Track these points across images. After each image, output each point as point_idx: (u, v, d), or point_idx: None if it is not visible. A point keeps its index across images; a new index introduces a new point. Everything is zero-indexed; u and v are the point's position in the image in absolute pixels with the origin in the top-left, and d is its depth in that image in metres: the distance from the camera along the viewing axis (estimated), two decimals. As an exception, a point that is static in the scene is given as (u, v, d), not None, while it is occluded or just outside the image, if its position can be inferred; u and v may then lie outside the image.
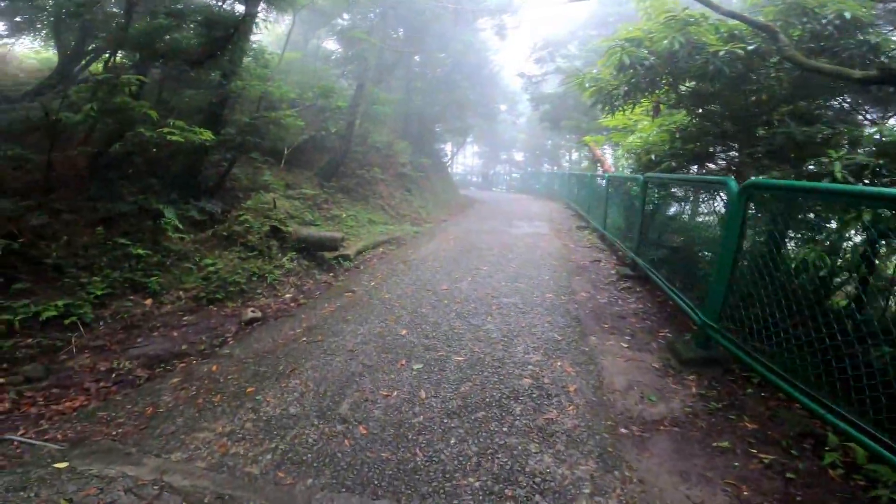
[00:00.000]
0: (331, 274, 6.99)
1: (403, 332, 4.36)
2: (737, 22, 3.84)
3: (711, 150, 5.49)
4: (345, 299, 5.62)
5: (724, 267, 3.17)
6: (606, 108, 5.17)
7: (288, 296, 6.01)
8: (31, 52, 11.48)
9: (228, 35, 5.27)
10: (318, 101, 9.23)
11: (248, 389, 3.49)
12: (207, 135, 5.90)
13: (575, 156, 31.10)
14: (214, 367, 3.97)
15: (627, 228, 7.25)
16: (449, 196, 18.64)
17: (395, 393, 3.32)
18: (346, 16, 15.41)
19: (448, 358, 3.81)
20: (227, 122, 7.38)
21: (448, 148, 29.16)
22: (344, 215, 9.70)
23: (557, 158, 32.67)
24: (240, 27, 5.29)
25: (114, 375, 4.08)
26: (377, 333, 4.35)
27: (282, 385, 3.51)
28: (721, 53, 3.71)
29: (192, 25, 5.56)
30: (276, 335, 4.63)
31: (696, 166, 6.16)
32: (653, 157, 6.09)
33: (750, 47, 3.72)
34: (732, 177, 3.28)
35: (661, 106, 5.50)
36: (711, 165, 6.18)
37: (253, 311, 5.27)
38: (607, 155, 20.78)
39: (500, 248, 7.95)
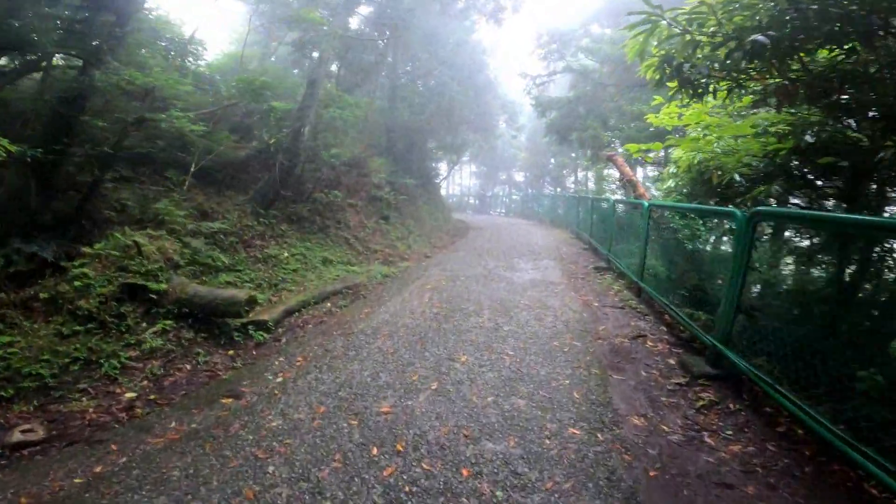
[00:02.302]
0: (230, 352, 4.68)
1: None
2: None
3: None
4: (213, 415, 3.35)
5: None
6: (685, 92, 2.93)
7: (129, 396, 3.75)
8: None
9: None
10: (244, 102, 7.04)
11: None
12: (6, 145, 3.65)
13: (581, 175, 29.06)
14: None
15: (676, 282, 4.92)
16: (439, 222, 16.39)
17: None
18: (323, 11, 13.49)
19: None
20: (88, 128, 5.17)
21: (443, 167, 27.17)
22: (285, 255, 7.38)
23: (561, 179, 30.59)
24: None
25: None
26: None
27: None
28: None
29: None
30: (26, 486, 2.46)
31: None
32: (736, 176, 3.80)
33: None
34: None
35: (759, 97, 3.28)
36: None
37: (25, 431, 3.11)
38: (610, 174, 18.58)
39: (492, 309, 5.58)
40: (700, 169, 4.25)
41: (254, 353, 4.73)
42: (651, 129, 11.13)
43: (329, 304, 6.33)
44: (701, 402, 3.43)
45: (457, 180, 44.10)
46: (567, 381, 3.64)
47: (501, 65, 27.24)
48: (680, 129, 5.36)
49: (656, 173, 17.23)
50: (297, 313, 5.90)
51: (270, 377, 3.99)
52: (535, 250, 10.46)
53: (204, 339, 4.69)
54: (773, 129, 3.41)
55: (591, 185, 27.66)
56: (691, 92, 2.91)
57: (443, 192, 39.86)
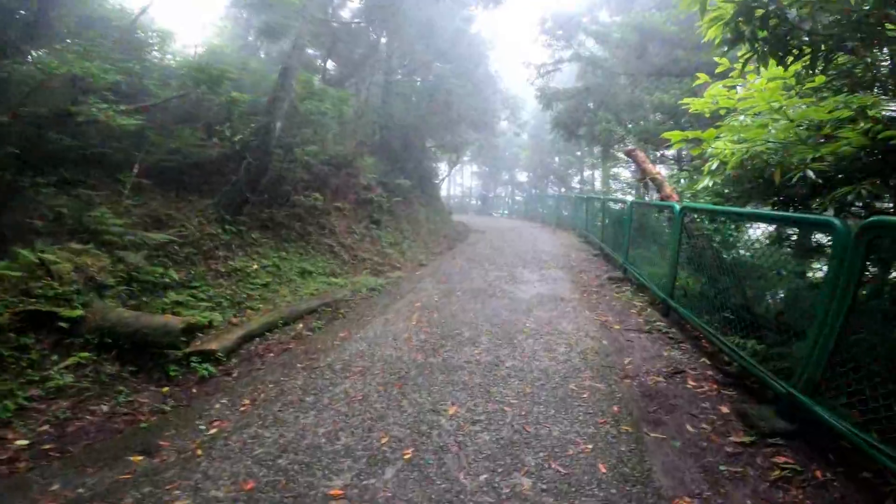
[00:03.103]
0: (164, 390, 3.88)
1: None
2: None
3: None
4: (110, 478, 2.71)
5: None
6: (766, 56, 2.06)
7: (19, 444, 3.02)
8: None
9: None
10: (198, 92, 6.21)
11: None
12: None
13: (587, 174, 28.13)
14: None
15: (717, 301, 4.03)
16: (437, 226, 15.52)
17: None
18: None
19: None
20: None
21: (444, 167, 26.24)
22: (255, 267, 6.52)
23: (567, 179, 29.64)
24: None
25: None
26: None
27: None
28: None
29: None
30: None
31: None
32: (811, 174, 2.91)
33: None
34: None
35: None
36: None
37: None
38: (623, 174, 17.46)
39: (491, 336, 4.69)
40: (756, 164, 3.36)
41: (194, 391, 3.88)
42: (668, 123, 10.20)
43: (301, 326, 5.47)
44: (777, 472, 2.53)
45: (458, 181, 43.27)
46: (589, 446, 2.74)
47: (503, 56, 26.31)
48: (714, 118, 4.45)
49: (669, 172, 16.31)
50: (259, 338, 5.04)
51: (203, 426, 3.16)
52: (541, 257, 9.57)
53: (132, 375, 3.85)
54: (872, 113, 2.53)
55: (597, 184, 26.73)
56: (779, 56, 2.04)
57: (443, 193, 38.96)
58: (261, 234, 7.24)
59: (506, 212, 33.23)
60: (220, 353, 4.31)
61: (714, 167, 3.68)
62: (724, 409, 3.22)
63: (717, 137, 3.65)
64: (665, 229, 5.18)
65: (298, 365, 4.20)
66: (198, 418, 3.31)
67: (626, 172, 18.29)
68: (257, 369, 4.28)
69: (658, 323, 4.92)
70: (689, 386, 3.55)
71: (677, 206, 4.54)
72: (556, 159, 29.85)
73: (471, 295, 6.29)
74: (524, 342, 4.38)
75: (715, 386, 3.54)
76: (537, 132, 30.14)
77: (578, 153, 26.82)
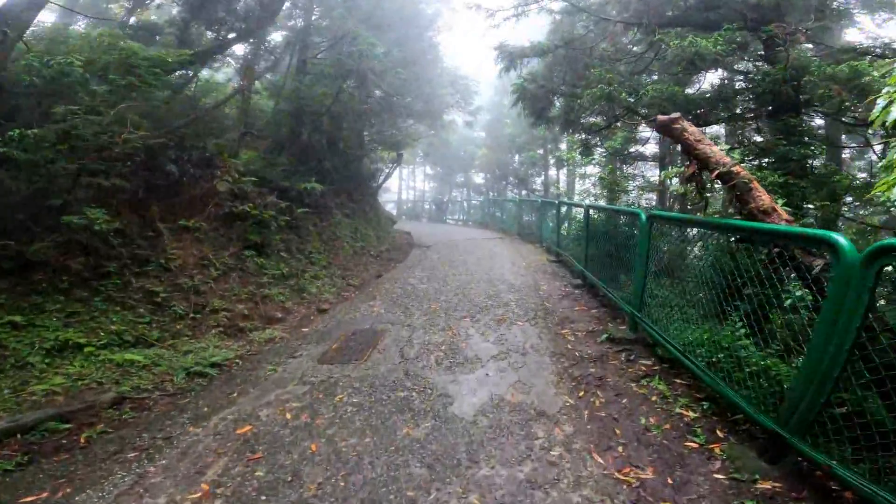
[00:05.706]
0: None
1: None
2: None
3: None
4: None
5: None
6: None
7: None
8: None
9: None
10: None
11: None
12: None
13: (552, 174, 25.90)
14: None
15: None
16: (368, 243, 12.52)
17: None
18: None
19: None
20: None
21: (396, 169, 23.00)
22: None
23: (527, 181, 27.28)
24: None
25: None
26: None
27: None
28: None
29: None
30: None
31: None
32: None
33: None
34: None
35: None
36: None
37: None
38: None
39: None
40: None
41: None
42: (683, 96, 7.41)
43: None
44: None
45: (411, 184, 40.27)
46: None
47: (454, 23, 23.35)
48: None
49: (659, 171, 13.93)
50: None
51: None
52: (500, 295, 6.80)
53: None
54: None
55: (563, 186, 24.52)
56: None
57: (394, 197, 35.82)
58: (-29, 289, 4.05)
59: (461, 217, 30.57)
60: None
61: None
62: None
63: None
64: (776, 283, 2.48)
65: None
66: None
67: (594, 170, 16.02)
68: None
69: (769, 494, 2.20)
70: None
71: (848, 246, 1.78)
72: (516, 158, 27.52)
73: (364, 401, 3.38)
74: None
75: None
76: (494, 127, 27.73)
77: (541, 151, 24.59)
